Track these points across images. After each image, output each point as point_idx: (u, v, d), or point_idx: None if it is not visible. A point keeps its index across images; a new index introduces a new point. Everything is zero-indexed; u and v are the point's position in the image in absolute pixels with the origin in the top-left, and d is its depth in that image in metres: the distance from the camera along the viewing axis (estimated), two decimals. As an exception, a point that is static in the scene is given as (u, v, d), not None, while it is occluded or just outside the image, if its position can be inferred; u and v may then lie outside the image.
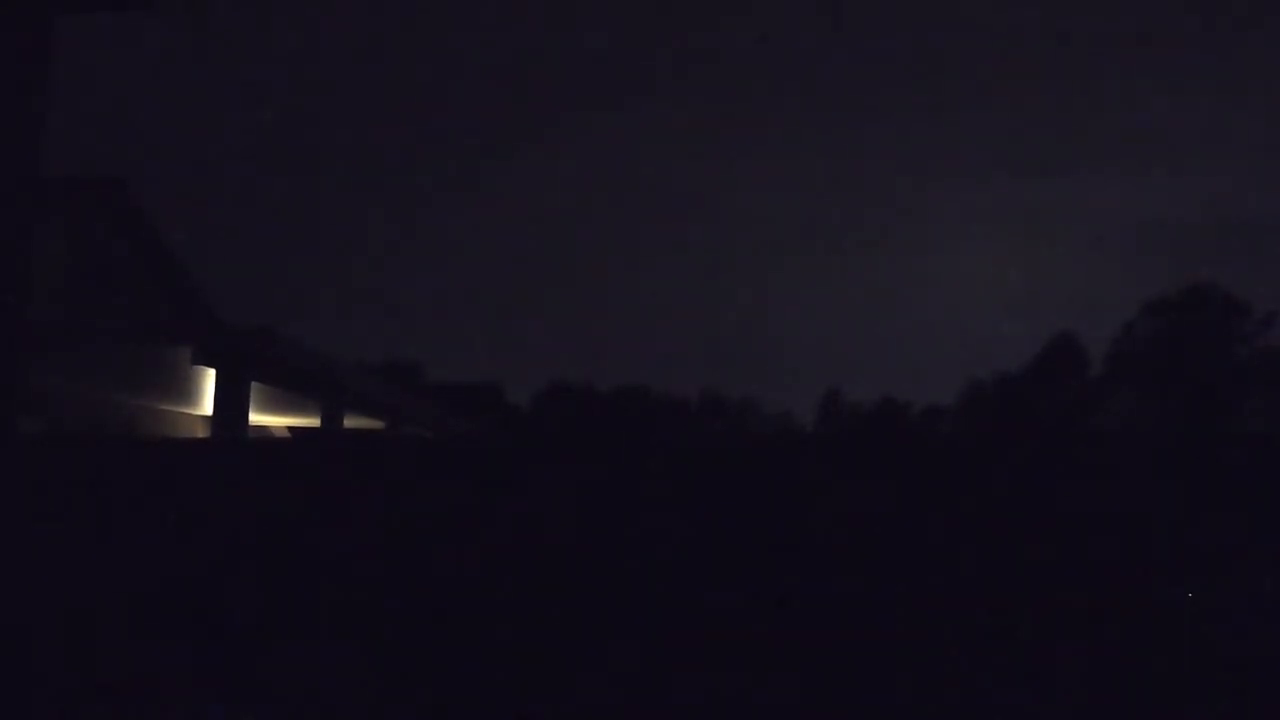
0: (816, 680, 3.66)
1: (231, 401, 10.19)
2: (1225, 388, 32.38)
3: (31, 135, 5.01)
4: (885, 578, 3.71)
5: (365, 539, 3.99)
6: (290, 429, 16.63)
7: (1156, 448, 3.82)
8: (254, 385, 10.73)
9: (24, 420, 4.92)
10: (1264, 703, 3.48)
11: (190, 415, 14.94)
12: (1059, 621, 3.61)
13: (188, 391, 12.61)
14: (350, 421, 14.43)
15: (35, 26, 5.08)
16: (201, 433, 14.87)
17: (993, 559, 3.69)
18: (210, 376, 10.79)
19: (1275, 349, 37.65)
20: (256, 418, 14.54)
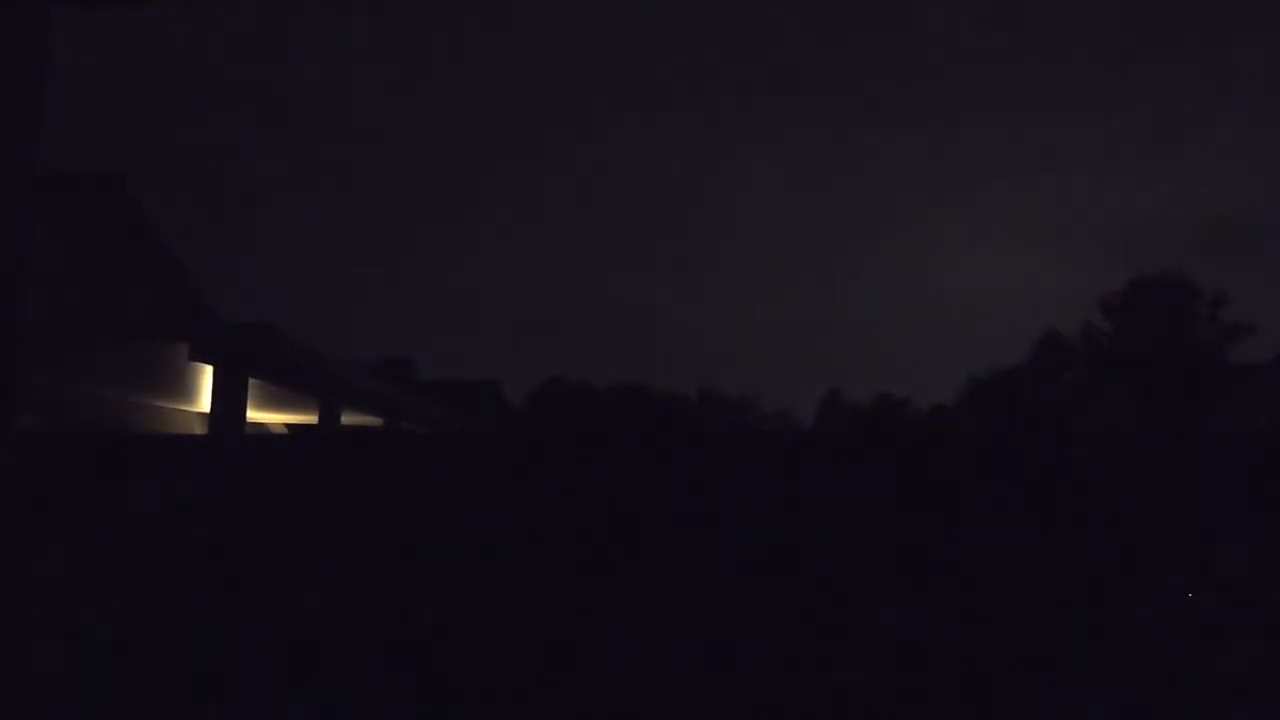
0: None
1: (229, 398, 10.17)
2: (1198, 377, 32.60)
3: (29, 131, 4.99)
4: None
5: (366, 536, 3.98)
6: (288, 426, 16.62)
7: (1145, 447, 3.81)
8: (251, 382, 10.71)
9: (21, 418, 4.90)
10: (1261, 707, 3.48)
11: (188, 412, 14.93)
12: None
13: (185, 388, 12.59)
14: (348, 418, 14.43)
15: (33, 21, 5.06)
16: (199, 429, 14.86)
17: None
18: (208, 373, 10.77)
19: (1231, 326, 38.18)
20: (254, 414, 14.54)
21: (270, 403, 13.55)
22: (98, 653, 3.96)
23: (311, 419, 14.70)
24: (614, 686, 3.72)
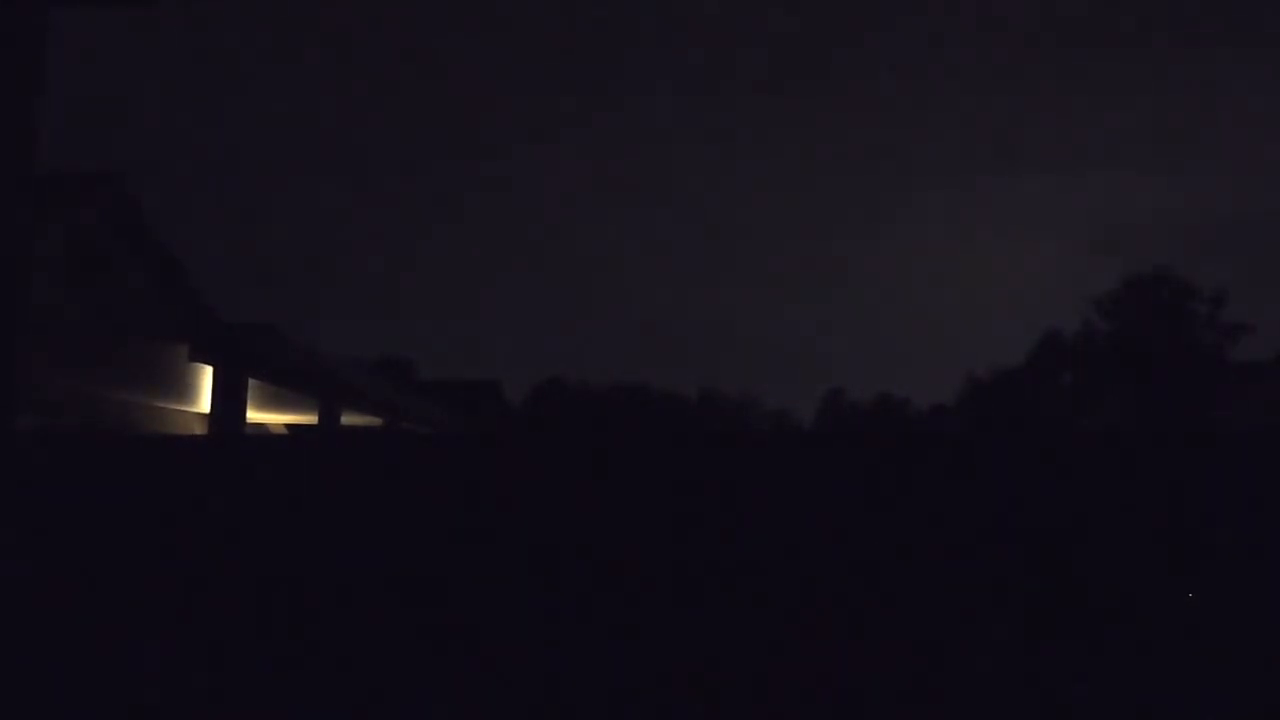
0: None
1: (229, 398, 10.18)
2: (1193, 375, 32.52)
3: (28, 130, 4.99)
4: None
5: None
6: (288, 426, 16.61)
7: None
8: (251, 382, 10.71)
9: (21, 418, 4.90)
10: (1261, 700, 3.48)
11: (188, 413, 14.92)
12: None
13: (185, 388, 12.59)
14: (348, 419, 14.41)
15: (32, 20, 5.06)
16: (199, 430, 14.85)
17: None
18: (208, 373, 10.77)
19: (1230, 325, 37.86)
20: (254, 415, 14.52)
21: (270, 403, 13.54)
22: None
23: (311, 419, 14.69)
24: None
